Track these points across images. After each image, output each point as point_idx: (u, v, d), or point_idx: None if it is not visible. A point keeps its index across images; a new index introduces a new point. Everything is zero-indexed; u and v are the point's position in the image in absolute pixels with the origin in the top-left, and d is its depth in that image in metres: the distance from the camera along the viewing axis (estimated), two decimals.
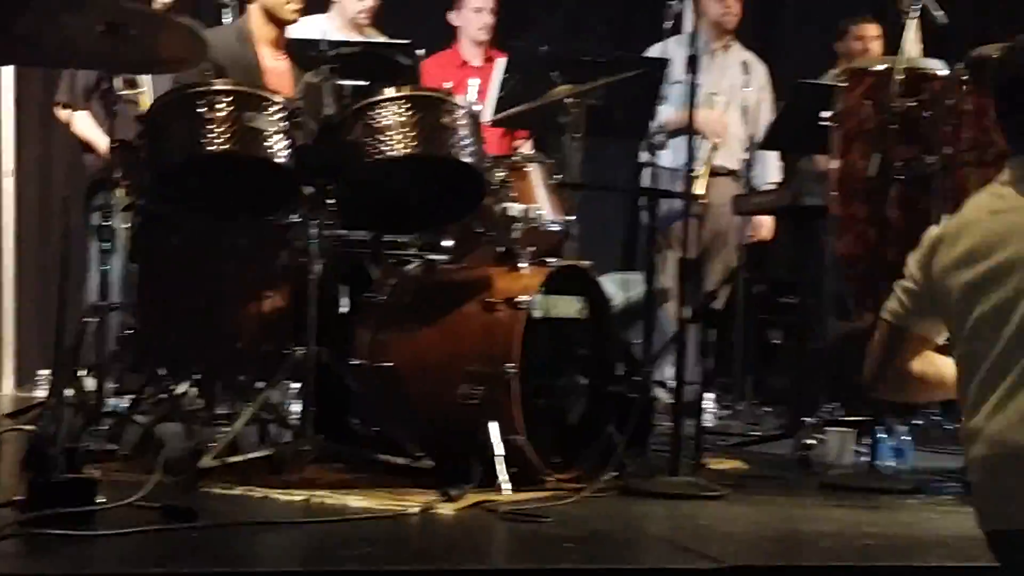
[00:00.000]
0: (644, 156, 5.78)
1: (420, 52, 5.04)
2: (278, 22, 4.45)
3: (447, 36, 6.17)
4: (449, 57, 6.10)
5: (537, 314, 3.88)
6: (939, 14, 4.44)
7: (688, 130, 4.16)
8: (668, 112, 5.60)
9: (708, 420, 5.44)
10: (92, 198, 4.99)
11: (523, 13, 6.88)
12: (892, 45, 4.89)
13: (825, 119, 4.49)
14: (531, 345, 3.82)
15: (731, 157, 5.89)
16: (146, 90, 4.74)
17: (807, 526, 3.57)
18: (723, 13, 5.93)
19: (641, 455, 4.22)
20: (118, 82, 4.50)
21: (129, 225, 4.06)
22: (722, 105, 5.90)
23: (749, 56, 6.08)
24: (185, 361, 3.99)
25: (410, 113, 3.75)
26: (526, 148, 5.55)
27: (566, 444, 3.99)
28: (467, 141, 3.80)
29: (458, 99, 3.89)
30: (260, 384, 3.97)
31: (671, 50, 5.57)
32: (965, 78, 4.12)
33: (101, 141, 5.04)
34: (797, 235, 5.63)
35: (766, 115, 5.99)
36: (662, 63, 5.26)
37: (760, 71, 6.12)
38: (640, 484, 3.83)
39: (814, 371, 5.33)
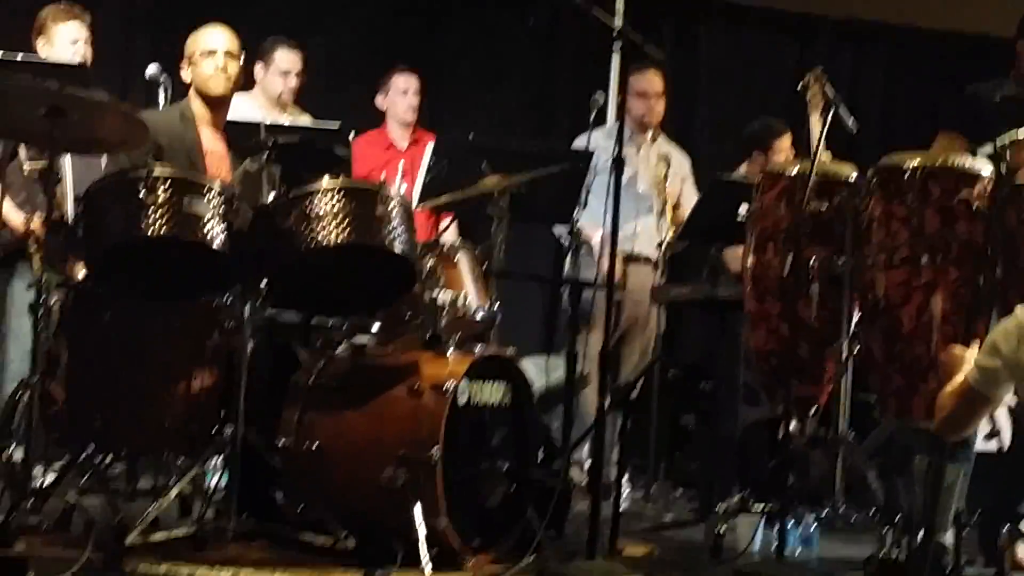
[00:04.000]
0: (566, 240, 5.92)
1: (350, 136, 5.18)
2: (209, 100, 4.52)
3: (374, 115, 6.31)
4: (377, 138, 6.24)
5: (462, 400, 3.99)
6: (851, 120, 4.64)
7: (614, 232, 4.25)
8: (591, 225, 5.69)
9: (622, 503, 5.57)
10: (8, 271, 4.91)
11: (450, 95, 7.04)
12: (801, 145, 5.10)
13: (741, 216, 4.67)
14: (455, 429, 3.93)
15: (650, 245, 6.05)
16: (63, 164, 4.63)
17: None
18: (644, 113, 6.10)
19: (558, 538, 4.33)
20: (23, 152, 4.52)
21: (59, 300, 4.09)
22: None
23: (671, 148, 6.27)
24: (112, 437, 4.03)
25: (344, 203, 3.86)
26: (451, 231, 5.68)
27: (486, 527, 4.09)
28: (399, 231, 3.92)
29: (391, 190, 4.00)
30: (186, 461, 4.05)
31: (596, 141, 5.74)
32: (874, 183, 4.32)
33: (13, 215, 4.73)
34: (712, 324, 5.77)
35: (690, 203, 6.15)
36: (587, 156, 5.41)
37: (683, 163, 6.30)
38: (557, 568, 3.94)
39: (725, 457, 5.47)
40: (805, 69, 4.73)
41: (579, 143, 5.91)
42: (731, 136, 6.65)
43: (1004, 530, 4.45)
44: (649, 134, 6.18)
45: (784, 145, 6.03)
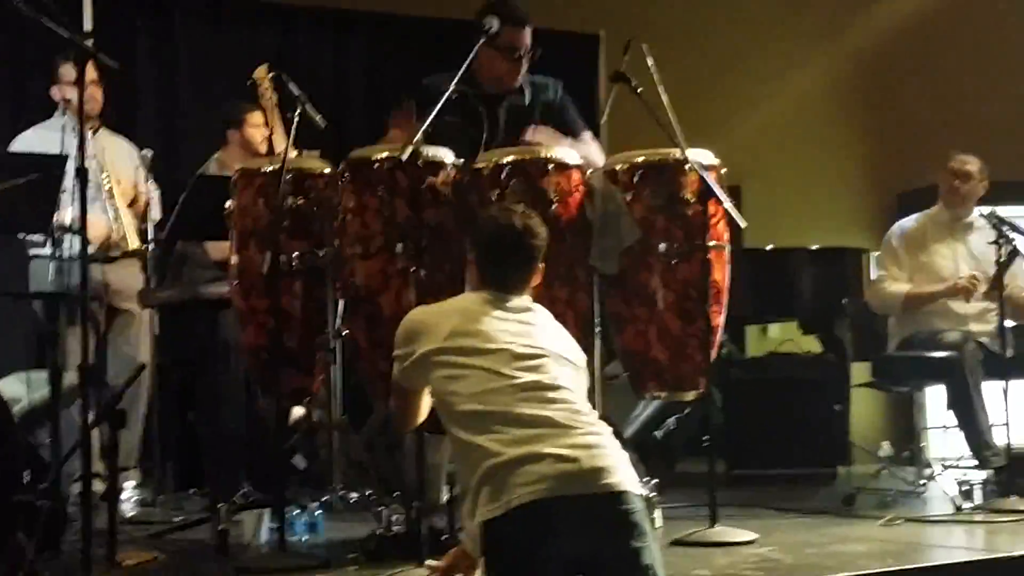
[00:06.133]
0: (38, 250, 5.73)
1: None
2: None
3: None
4: None
5: None
6: (318, 118, 4.74)
7: (82, 229, 4.17)
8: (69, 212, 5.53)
9: (130, 510, 5.48)
10: None
11: None
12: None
13: (227, 211, 4.66)
14: None
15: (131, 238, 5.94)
16: None
17: None
18: (87, 100, 5.96)
19: (56, 559, 4.20)
20: None
21: None
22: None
23: (119, 139, 6.18)
24: None
25: None
26: None
27: None
28: None
29: None
30: None
31: (45, 136, 5.62)
32: (347, 176, 4.44)
33: None
34: (207, 319, 5.74)
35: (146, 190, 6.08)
36: (60, 159, 5.24)
37: (132, 152, 6.20)
38: None
39: (231, 452, 5.48)
40: (284, 60, 4.78)
41: (24, 138, 5.77)
42: (216, 129, 6.62)
43: None
44: (92, 124, 6.03)
45: (256, 120, 6.06)
